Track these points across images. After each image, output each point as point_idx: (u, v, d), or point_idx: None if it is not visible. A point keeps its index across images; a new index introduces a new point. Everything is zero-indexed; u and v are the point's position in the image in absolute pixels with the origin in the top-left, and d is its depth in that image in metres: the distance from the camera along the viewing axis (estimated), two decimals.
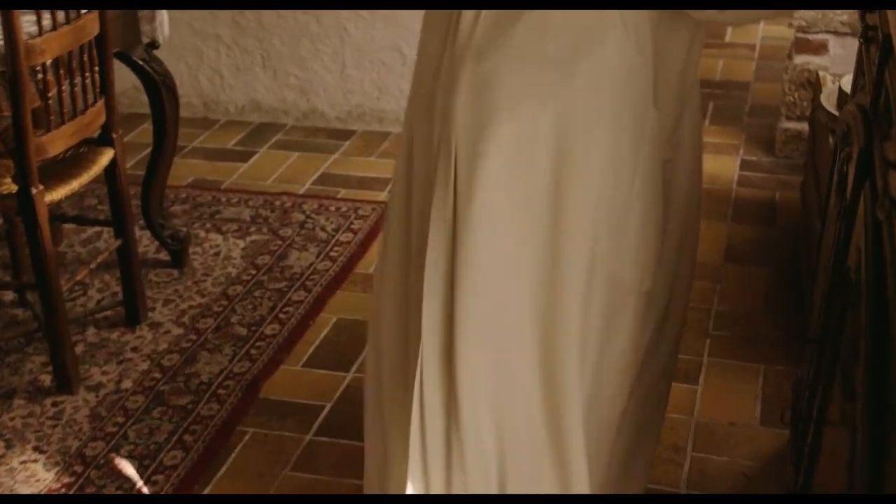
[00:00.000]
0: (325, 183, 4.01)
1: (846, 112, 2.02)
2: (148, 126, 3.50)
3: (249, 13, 4.40)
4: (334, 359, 2.95)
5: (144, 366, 2.89)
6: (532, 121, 1.64)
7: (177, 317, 3.11)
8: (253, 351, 2.95)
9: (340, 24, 4.33)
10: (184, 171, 4.07)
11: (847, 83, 3.06)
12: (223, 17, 4.44)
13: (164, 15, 3.14)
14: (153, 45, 3.17)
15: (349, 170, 4.12)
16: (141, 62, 3.15)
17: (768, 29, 5.57)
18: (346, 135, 4.44)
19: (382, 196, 3.88)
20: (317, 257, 3.44)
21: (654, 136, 1.73)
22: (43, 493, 2.44)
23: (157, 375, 2.85)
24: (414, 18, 4.24)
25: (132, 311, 3.07)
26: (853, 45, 3.96)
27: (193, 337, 3.02)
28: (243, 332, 3.05)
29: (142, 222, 3.38)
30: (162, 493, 2.44)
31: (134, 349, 2.96)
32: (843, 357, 1.57)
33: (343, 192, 3.92)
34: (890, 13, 1.53)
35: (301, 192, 3.94)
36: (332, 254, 3.46)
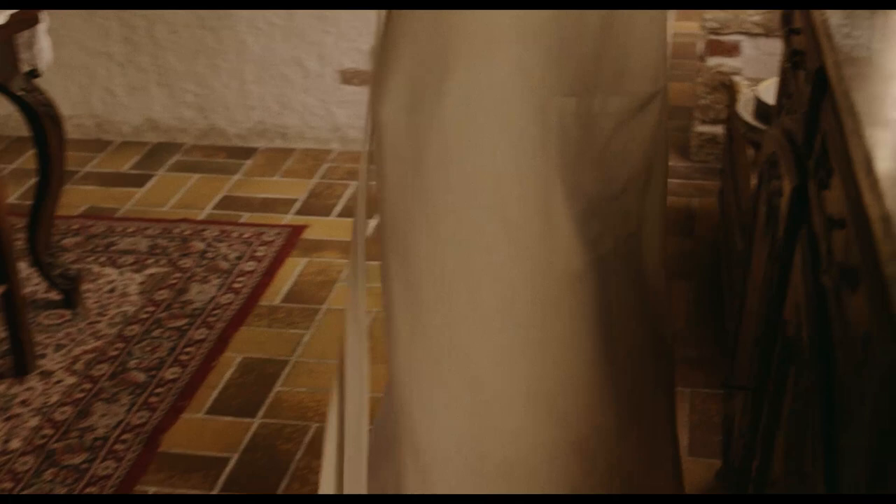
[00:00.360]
0: (226, 207, 3.82)
1: (772, 137, 1.90)
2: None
3: (141, 30, 4.18)
4: (239, 403, 2.77)
5: (34, 421, 2.68)
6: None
7: (69, 363, 2.91)
8: (152, 398, 2.76)
9: (239, 38, 4.14)
10: (76, 198, 3.85)
11: (765, 92, 2.96)
12: (114, 35, 4.21)
13: (44, 41, 2.93)
14: (34, 73, 2.96)
15: (252, 191, 3.93)
16: (20, 93, 2.93)
17: (679, 25, 5.48)
18: (247, 153, 4.24)
19: (287, 219, 3.71)
20: (219, 290, 3.25)
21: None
22: None
23: (49, 432, 2.65)
24: (314, 30, 4.07)
25: (20, 361, 2.86)
26: (766, 46, 3.88)
27: (88, 386, 2.81)
28: (141, 377, 2.85)
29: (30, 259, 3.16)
30: None
31: (23, 402, 2.75)
32: (787, 416, 1.45)
33: (246, 216, 3.74)
34: (825, 44, 1.40)
35: (201, 217, 3.74)
36: (235, 285, 3.28)
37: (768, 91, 3.02)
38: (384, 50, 1.59)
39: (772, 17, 3.77)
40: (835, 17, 1.47)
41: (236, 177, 4.05)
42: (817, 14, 1.53)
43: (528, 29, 1.52)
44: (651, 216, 1.68)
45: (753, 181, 2.29)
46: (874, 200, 0.95)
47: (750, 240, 2.07)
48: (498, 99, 1.55)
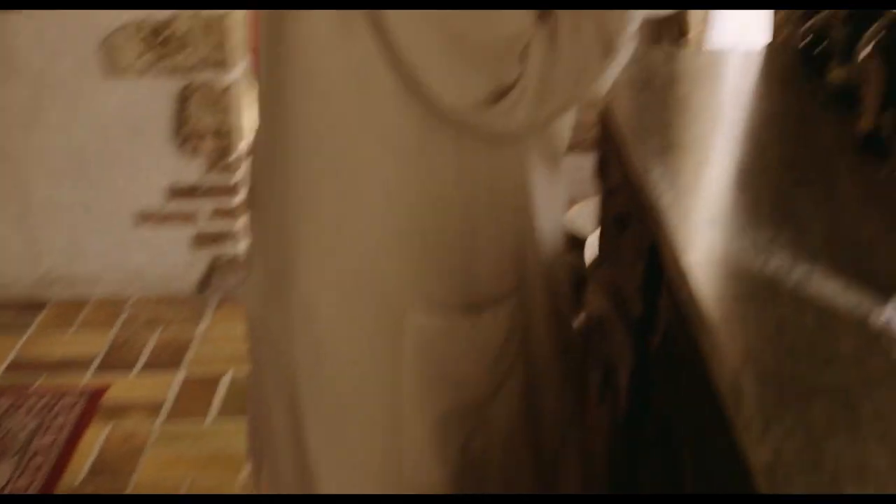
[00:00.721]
0: (16, 371, 3.52)
1: (597, 296, 1.82)
2: None
3: None
4: None
5: None
6: None
7: None
8: None
9: (22, 181, 3.87)
10: None
11: (577, 217, 2.91)
12: None
13: None
14: None
15: (45, 351, 3.65)
16: None
17: None
18: (36, 308, 3.96)
19: (86, 379, 3.44)
20: (13, 472, 2.97)
21: None
22: None
23: None
24: (104, 175, 3.84)
25: None
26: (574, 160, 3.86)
27: None
28: None
29: None
30: None
31: None
32: None
33: (40, 381, 3.46)
34: (654, 221, 1.31)
35: None
36: (31, 464, 3.00)
37: (580, 216, 2.97)
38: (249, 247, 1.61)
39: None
40: (655, 171, 1.40)
41: (26, 335, 3.76)
42: (638, 174, 1.46)
43: (379, 239, 1.39)
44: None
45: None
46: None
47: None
48: (343, 315, 1.43)
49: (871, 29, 1.65)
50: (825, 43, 1.94)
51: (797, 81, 1.98)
